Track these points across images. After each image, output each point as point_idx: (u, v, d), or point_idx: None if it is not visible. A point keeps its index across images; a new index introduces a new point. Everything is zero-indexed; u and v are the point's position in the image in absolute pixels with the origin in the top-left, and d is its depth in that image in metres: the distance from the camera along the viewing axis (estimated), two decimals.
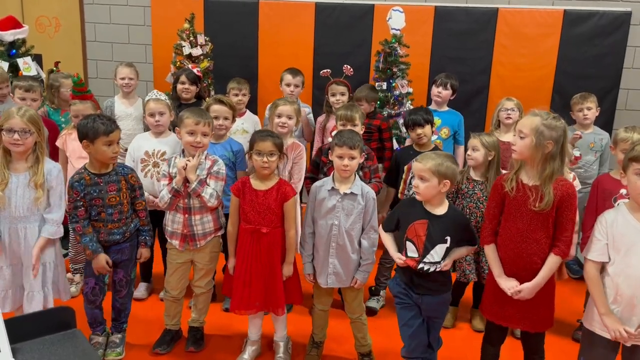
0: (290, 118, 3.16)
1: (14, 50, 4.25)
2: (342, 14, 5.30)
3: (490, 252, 2.37)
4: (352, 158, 2.54)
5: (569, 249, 2.25)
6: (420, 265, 2.35)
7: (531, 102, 4.63)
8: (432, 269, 2.36)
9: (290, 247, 2.68)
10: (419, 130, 3.23)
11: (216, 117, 3.10)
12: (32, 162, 2.53)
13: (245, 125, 3.73)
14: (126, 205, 2.66)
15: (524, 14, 5.01)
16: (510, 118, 3.74)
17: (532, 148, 2.17)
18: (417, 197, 2.38)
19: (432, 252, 2.35)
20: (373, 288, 3.50)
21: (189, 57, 4.64)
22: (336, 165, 2.59)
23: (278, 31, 5.43)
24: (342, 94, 3.64)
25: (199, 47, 4.65)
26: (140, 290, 3.35)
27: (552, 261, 2.22)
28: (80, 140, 2.59)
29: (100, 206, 2.60)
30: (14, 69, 4.11)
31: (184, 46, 4.61)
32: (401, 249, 2.43)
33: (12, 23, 4.25)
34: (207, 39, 4.77)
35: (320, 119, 3.92)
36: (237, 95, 3.76)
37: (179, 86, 3.92)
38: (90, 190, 2.58)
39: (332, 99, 3.67)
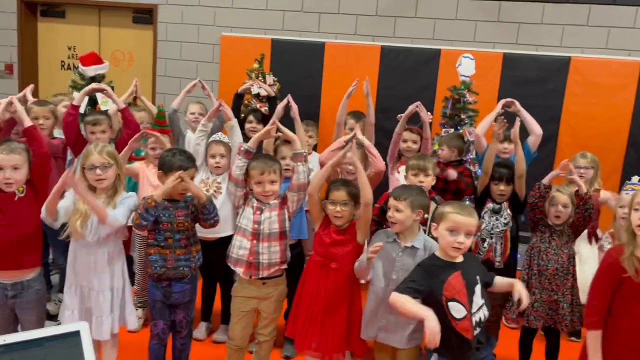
0: None
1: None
2: (408, 57, 5.31)
3: (594, 340, 2.14)
4: (398, 210, 2.45)
5: None
6: (474, 319, 2.19)
7: (604, 153, 4.52)
8: (482, 316, 2.23)
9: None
10: (502, 187, 3.12)
11: (284, 158, 3.12)
12: (111, 193, 2.59)
13: (311, 165, 3.73)
14: (190, 230, 2.68)
15: (598, 63, 4.88)
16: (583, 177, 3.48)
17: None
18: (455, 253, 2.24)
19: (474, 298, 2.21)
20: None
21: (257, 96, 4.72)
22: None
23: (342, 72, 5.48)
24: (414, 142, 3.59)
25: (262, 88, 4.73)
26: (201, 330, 3.34)
27: None
28: (158, 169, 2.68)
29: (168, 231, 2.62)
30: (93, 103, 4.28)
31: (253, 86, 4.70)
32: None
33: (94, 59, 4.46)
34: (276, 79, 4.86)
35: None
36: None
37: (247, 125, 3.98)
38: (160, 214, 2.60)
39: (402, 145, 3.64)
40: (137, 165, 3.39)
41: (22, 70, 6.88)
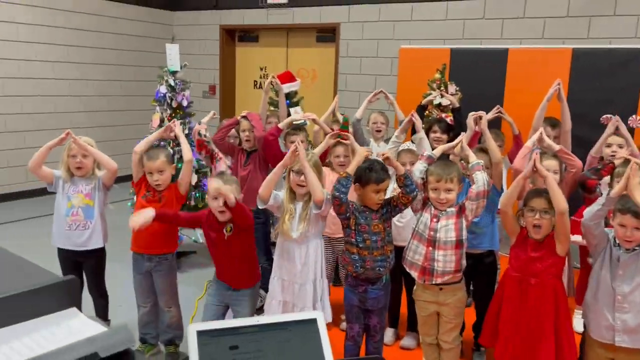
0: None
1: (288, 101, 4.88)
2: (602, 59, 4.88)
3: None
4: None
5: None
6: None
7: None
8: None
9: None
10: None
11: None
12: (308, 198, 2.83)
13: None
14: (384, 232, 2.77)
15: None
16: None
17: None
18: None
19: None
20: None
21: (438, 106, 4.74)
22: None
23: (527, 79, 5.24)
24: (620, 146, 3.31)
25: (444, 98, 4.71)
26: (388, 335, 3.42)
27: None
28: (354, 182, 2.78)
29: (366, 233, 2.74)
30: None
31: (435, 96, 4.72)
32: None
33: (288, 77, 4.88)
34: (458, 88, 4.82)
35: None
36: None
37: (432, 135, 4.01)
38: (359, 217, 2.74)
39: (606, 150, 3.37)
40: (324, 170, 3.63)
41: (222, 91, 7.81)
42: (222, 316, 2.87)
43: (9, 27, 6.13)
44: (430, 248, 2.73)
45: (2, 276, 1.46)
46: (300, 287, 2.83)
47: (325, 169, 3.61)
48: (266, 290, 3.04)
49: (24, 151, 6.46)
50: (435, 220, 2.74)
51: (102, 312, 3.21)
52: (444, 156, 3.04)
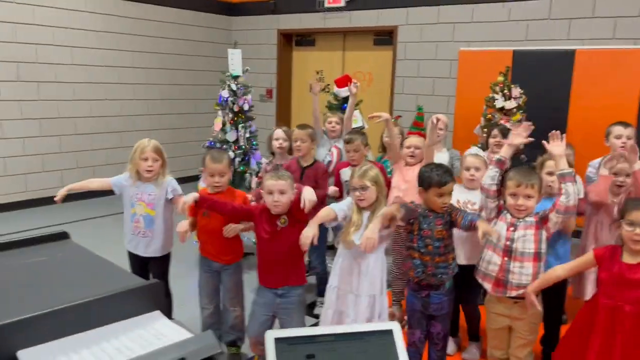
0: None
1: (345, 105, 4.87)
2: None
3: None
4: None
5: None
6: None
7: None
8: None
9: None
10: None
11: (550, 173, 2.96)
12: (373, 210, 2.80)
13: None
14: (447, 239, 2.71)
15: None
16: None
17: None
18: None
19: None
20: None
21: (501, 110, 4.62)
22: None
23: (596, 80, 5.04)
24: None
25: (512, 99, 4.59)
26: (450, 344, 3.34)
27: None
28: (418, 185, 2.73)
29: (428, 237, 2.68)
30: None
31: (497, 99, 4.61)
32: None
33: (346, 81, 4.89)
34: (522, 91, 4.68)
35: None
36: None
37: (491, 140, 3.91)
38: (422, 222, 2.69)
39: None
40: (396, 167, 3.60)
41: (279, 94, 7.90)
42: (270, 326, 2.87)
43: (77, 33, 6.42)
44: (506, 258, 2.62)
45: (89, 278, 1.54)
46: (356, 298, 2.77)
47: (396, 166, 3.58)
48: (322, 295, 3.02)
49: (93, 152, 6.77)
50: (512, 229, 2.62)
51: (166, 311, 3.30)
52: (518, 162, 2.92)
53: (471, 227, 2.57)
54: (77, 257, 1.67)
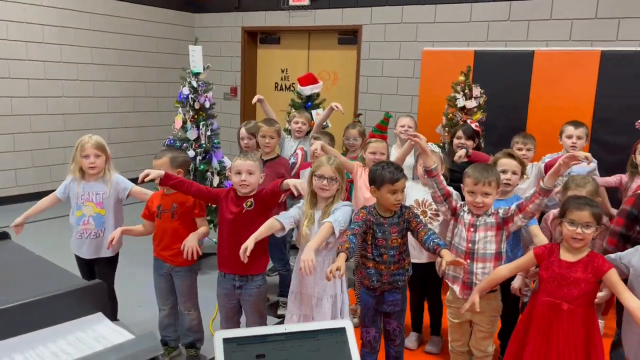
0: None
1: (309, 103, 4.85)
2: (634, 62, 4.76)
3: None
4: None
5: None
6: None
7: None
8: None
9: None
10: None
11: (504, 171, 2.98)
12: (328, 203, 2.75)
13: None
14: (402, 245, 2.68)
15: None
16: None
17: None
18: None
19: None
20: None
21: (462, 109, 4.67)
22: None
23: (553, 81, 5.15)
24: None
25: (472, 99, 4.65)
26: (412, 339, 3.36)
27: None
28: (369, 184, 2.70)
29: (383, 247, 2.64)
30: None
31: (458, 98, 4.66)
32: None
33: (310, 79, 4.86)
34: (482, 91, 4.74)
35: (623, 178, 3.55)
36: (521, 149, 3.61)
37: (455, 141, 3.92)
38: (376, 230, 2.64)
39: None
40: (355, 163, 3.53)
41: (244, 93, 7.80)
42: (239, 313, 2.88)
43: (35, 28, 6.21)
44: (468, 260, 2.63)
45: (28, 280, 1.46)
46: (317, 300, 2.73)
47: (355, 163, 3.54)
48: (285, 296, 2.97)
49: (49, 151, 6.54)
50: (472, 229, 2.63)
51: (109, 313, 3.19)
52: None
53: (435, 252, 2.53)
54: (17, 257, 1.58)
